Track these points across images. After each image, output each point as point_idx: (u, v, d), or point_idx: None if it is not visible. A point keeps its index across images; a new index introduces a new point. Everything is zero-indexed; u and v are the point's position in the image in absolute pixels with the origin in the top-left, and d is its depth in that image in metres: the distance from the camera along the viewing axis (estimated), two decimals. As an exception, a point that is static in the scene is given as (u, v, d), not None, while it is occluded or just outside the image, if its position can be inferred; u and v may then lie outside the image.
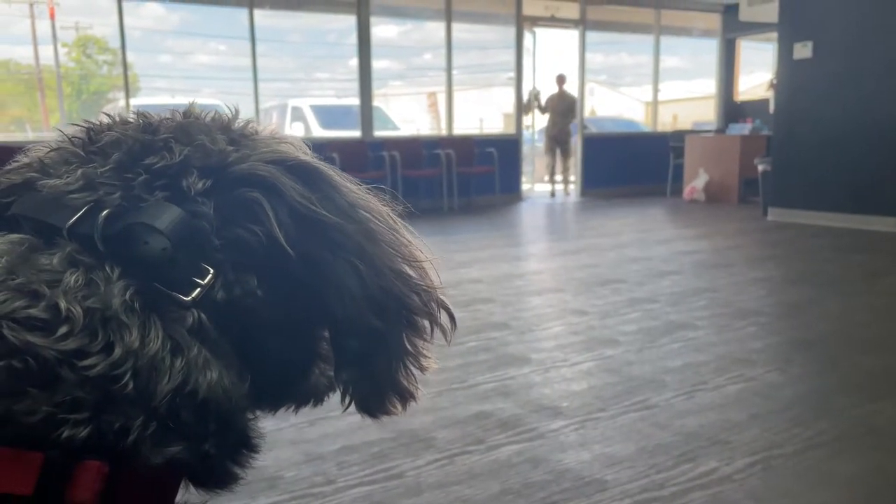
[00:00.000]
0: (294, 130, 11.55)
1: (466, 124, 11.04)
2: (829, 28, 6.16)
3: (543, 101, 9.64)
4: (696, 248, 5.20)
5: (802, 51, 6.33)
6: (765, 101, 10.48)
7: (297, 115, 11.80)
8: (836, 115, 6.15)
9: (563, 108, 9.51)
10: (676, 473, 1.79)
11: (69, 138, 0.52)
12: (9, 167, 0.51)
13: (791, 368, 2.58)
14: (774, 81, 7.06)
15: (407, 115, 11.76)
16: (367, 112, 8.30)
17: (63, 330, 0.41)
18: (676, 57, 11.35)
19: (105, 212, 0.46)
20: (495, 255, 5.10)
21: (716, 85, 10.95)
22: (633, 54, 10.98)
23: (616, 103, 13.86)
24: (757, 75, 11.17)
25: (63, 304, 0.42)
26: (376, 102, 12.28)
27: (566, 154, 9.70)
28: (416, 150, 8.36)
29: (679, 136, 9.34)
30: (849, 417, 2.14)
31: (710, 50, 10.97)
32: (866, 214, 5.95)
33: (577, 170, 9.82)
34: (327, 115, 11.81)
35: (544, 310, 3.45)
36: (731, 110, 10.87)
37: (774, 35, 6.97)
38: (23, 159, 0.52)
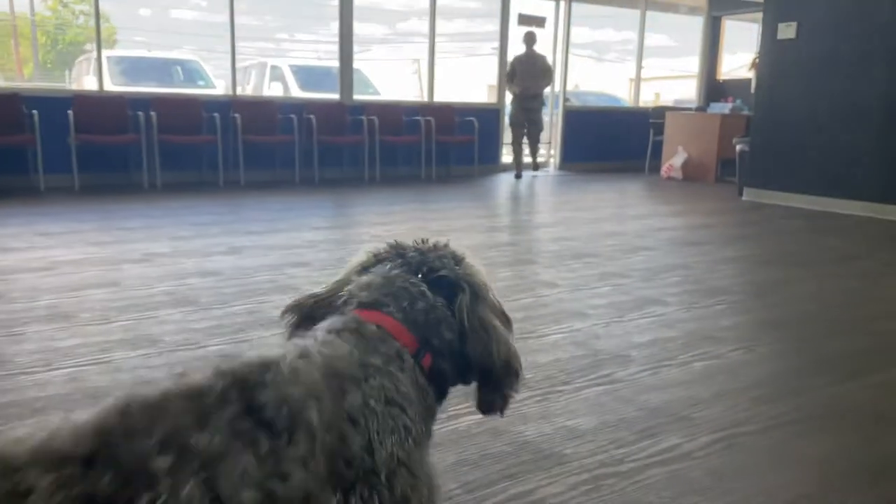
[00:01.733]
0: (272, 90, 11.32)
1: (450, 93, 10.87)
2: (814, 9, 6.12)
3: (508, 67, 8.48)
4: (671, 226, 5.19)
5: (786, 31, 6.29)
6: (747, 81, 10.47)
7: (276, 74, 11.55)
8: (816, 97, 6.13)
9: (534, 71, 8.28)
10: (636, 449, 1.76)
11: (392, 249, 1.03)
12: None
13: (758, 348, 2.57)
14: (757, 61, 7.02)
15: (391, 80, 11.51)
16: (346, 75, 8.12)
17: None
18: (662, 35, 11.26)
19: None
20: (470, 225, 5.04)
21: (699, 63, 10.90)
22: (619, 30, 10.85)
23: (600, 78, 13.78)
24: (740, 56, 11.14)
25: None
26: (358, 65, 12.08)
27: (535, 126, 8.44)
28: (396, 116, 8.22)
29: (659, 112, 9.30)
30: (814, 398, 2.13)
31: (695, 28, 10.89)
32: (841, 198, 5.97)
33: (557, 143, 9.75)
34: (307, 76, 11.56)
35: (515, 281, 3.41)
36: (713, 89, 10.84)
37: (760, 15, 6.93)
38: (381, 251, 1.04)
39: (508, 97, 8.69)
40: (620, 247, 4.22)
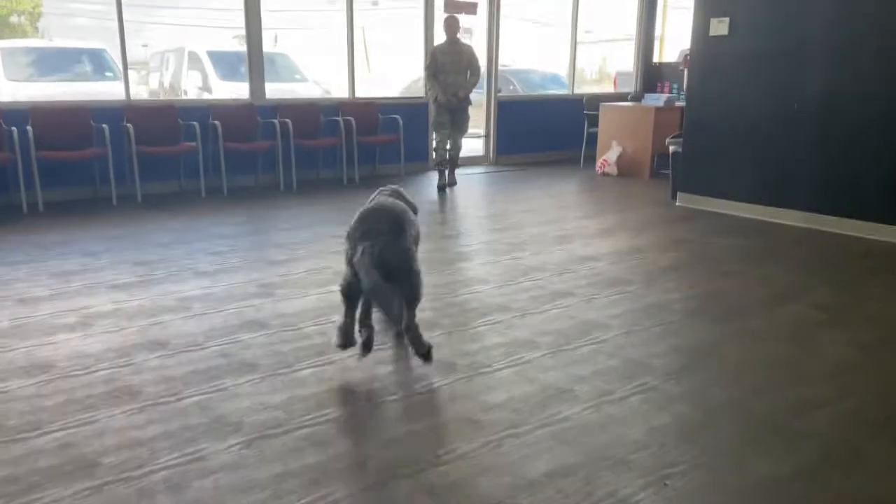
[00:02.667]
0: (191, 79, 10.53)
1: (380, 86, 10.24)
2: (748, 3, 5.76)
3: (428, 59, 7.26)
4: (596, 253, 4.81)
5: (719, 27, 5.93)
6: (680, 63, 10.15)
7: (194, 61, 10.72)
8: (750, 98, 5.81)
9: (458, 66, 7.09)
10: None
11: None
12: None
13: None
14: (687, 57, 6.66)
15: (326, 60, 10.53)
16: (256, 70, 7.46)
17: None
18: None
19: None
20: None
21: (633, 48, 10.53)
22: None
23: (539, 48, 12.87)
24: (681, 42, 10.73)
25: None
26: (282, 49, 11.31)
27: (459, 130, 7.27)
28: (313, 117, 7.65)
29: (594, 102, 8.92)
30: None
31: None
32: (778, 207, 5.70)
33: (491, 136, 9.30)
34: (225, 63, 10.75)
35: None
36: (650, 74, 10.51)
37: None
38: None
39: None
40: (537, 294, 3.82)
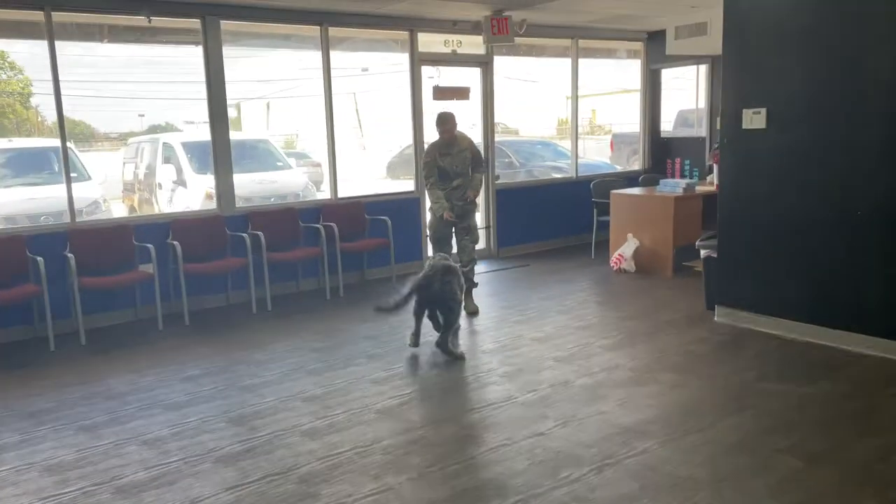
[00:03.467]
0: (166, 173, 9.69)
1: (364, 184, 9.37)
2: (787, 90, 4.94)
3: (425, 169, 5.95)
4: (640, 425, 3.83)
5: (754, 119, 5.09)
6: (693, 140, 9.40)
7: (168, 153, 9.88)
8: (798, 201, 4.92)
9: (463, 167, 5.89)
10: None
11: None
12: None
13: None
14: (717, 152, 5.82)
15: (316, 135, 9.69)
16: (223, 171, 6.58)
17: None
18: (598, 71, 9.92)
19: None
20: (356, 373, 3.61)
21: (640, 122, 9.79)
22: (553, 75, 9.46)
23: (535, 121, 12.14)
24: (678, 100, 9.99)
25: None
26: (265, 136, 10.52)
27: (468, 232, 5.97)
28: (291, 225, 6.76)
29: (603, 189, 8.07)
30: None
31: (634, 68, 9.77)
32: (840, 329, 4.75)
33: (492, 229, 8.42)
34: (202, 154, 9.94)
35: None
36: (659, 149, 9.73)
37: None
38: None
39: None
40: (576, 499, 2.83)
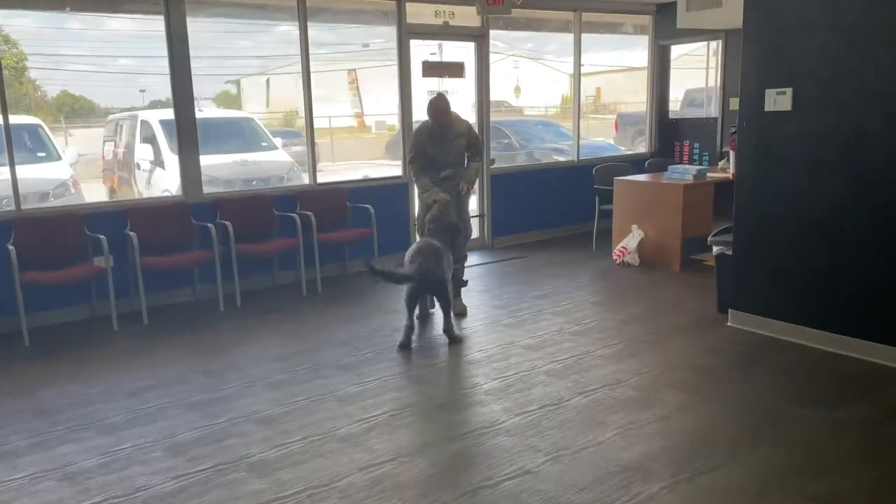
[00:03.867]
0: (144, 152, 9.09)
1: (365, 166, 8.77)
2: (817, 69, 4.33)
3: (411, 152, 5.25)
4: (649, 460, 3.30)
5: (778, 100, 4.49)
6: (704, 120, 8.79)
7: (147, 132, 9.26)
8: (828, 195, 4.35)
9: (457, 155, 5.25)
10: None
11: None
12: None
13: None
14: (734, 136, 5.21)
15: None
16: (188, 157, 6.01)
17: None
18: (601, 48, 9.28)
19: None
20: (322, 388, 3.07)
21: (647, 100, 9.15)
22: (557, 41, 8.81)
23: (541, 91, 11.41)
24: (686, 79, 9.36)
25: None
26: (248, 113, 9.90)
27: (461, 232, 5.22)
28: (265, 214, 6.19)
29: (606, 176, 7.47)
30: None
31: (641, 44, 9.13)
32: (873, 341, 4.19)
33: (487, 217, 7.84)
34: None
35: None
36: (667, 131, 9.12)
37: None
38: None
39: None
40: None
